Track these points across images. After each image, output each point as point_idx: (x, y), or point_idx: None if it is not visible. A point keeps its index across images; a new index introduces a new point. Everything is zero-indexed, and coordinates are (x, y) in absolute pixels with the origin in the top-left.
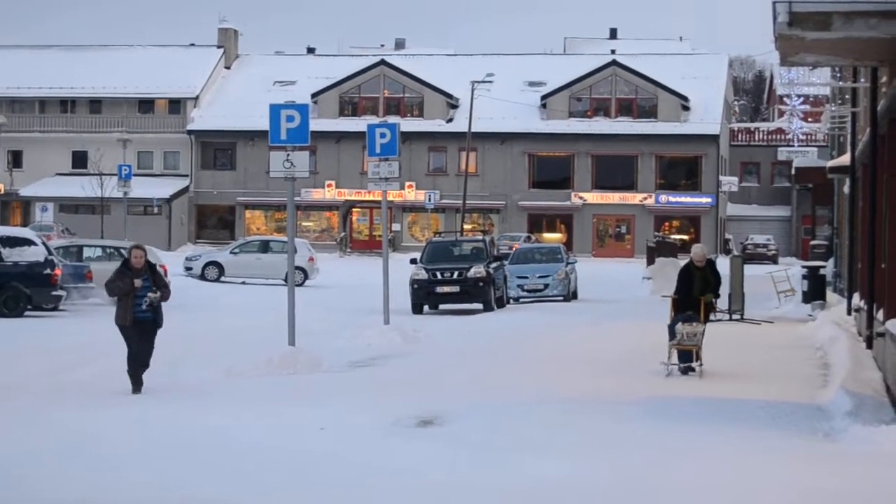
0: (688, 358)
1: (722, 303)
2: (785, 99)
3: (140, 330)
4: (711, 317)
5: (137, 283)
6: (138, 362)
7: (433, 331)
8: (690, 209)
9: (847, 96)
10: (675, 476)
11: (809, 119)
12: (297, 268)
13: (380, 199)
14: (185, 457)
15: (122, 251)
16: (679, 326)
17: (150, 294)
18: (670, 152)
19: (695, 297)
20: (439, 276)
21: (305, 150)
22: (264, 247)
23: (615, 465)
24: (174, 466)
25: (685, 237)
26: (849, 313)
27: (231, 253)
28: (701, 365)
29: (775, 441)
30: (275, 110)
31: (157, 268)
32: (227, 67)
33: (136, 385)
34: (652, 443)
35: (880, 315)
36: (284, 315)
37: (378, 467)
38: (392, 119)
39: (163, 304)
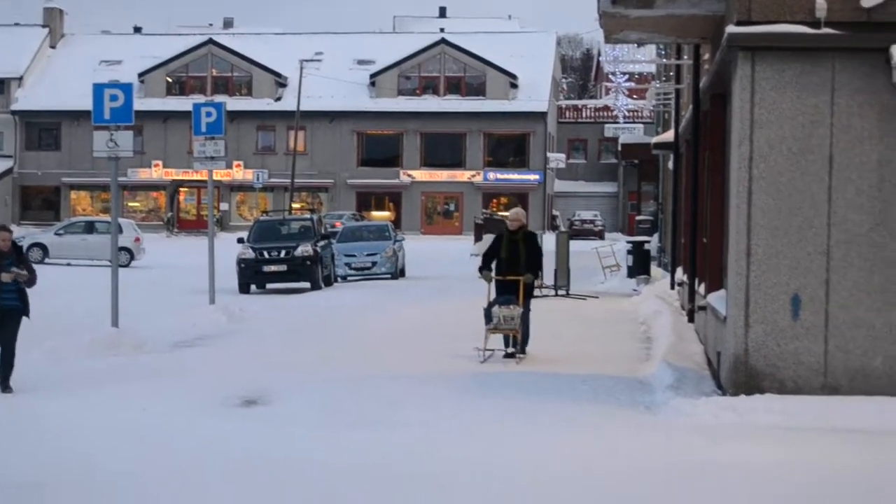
0: (507, 342)
1: (548, 278)
2: (611, 76)
3: (5, 320)
4: (537, 293)
5: (6, 277)
6: (4, 358)
7: (260, 310)
8: (518, 186)
9: (671, 73)
10: (498, 451)
11: (635, 96)
12: (123, 248)
13: (207, 178)
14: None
15: None
16: (496, 310)
17: (13, 269)
18: (499, 130)
19: (502, 263)
20: (266, 255)
21: (130, 129)
22: (89, 228)
23: (438, 443)
24: None
25: None
26: (672, 287)
27: (56, 234)
28: (519, 352)
29: (597, 414)
30: (98, 90)
31: (24, 251)
32: (53, 47)
33: (5, 383)
34: (475, 419)
35: (702, 289)
36: (109, 296)
37: (201, 447)
38: (220, 98)
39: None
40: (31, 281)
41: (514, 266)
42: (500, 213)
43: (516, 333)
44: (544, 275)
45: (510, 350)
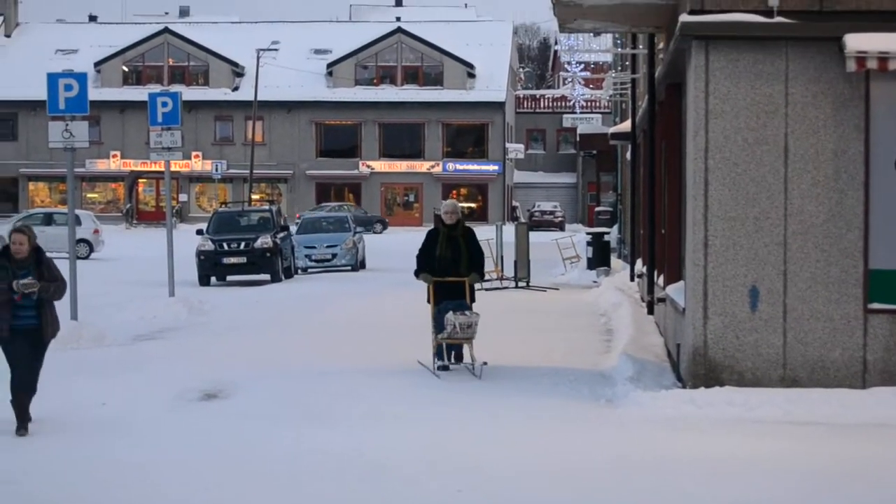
0: (459, 352)
1: (508, 270)
2: (567, 66)
3: (24, 340)
4: (497, 284)
5: (27, 290)
6: (23, 387)
7: (220, 302)
8: (478, 177)
9: (628, 63)
10: (459, 445)
11: (591, 86)
12: (82, 240)
13: (164, 169)
14: None
15: None
16: (450, 317)
17: (24, 281)
18: (457, 120)
19: (443, 262)
20: (226, 247)
21: (86, 119)
22: (48, 219)
23: (400, 436)
24: None
25: (473, 205)
26: (632, 279)
27: None
28: (481, 362)
29: (558, 408)
30: (52, 79)
31: (47, 257)
32: (8, 36)
33: (22, 421)
34: (436, 413)
35: (661, 281)
36: (68, 289)
37: (160, 441)
38: (177, 88)
39: (55, 304)
40: (55, 292)
41: (455, 266)
42: (461, 205)
43: (470, 343)
44: (504, 266)
45: (470, 364)
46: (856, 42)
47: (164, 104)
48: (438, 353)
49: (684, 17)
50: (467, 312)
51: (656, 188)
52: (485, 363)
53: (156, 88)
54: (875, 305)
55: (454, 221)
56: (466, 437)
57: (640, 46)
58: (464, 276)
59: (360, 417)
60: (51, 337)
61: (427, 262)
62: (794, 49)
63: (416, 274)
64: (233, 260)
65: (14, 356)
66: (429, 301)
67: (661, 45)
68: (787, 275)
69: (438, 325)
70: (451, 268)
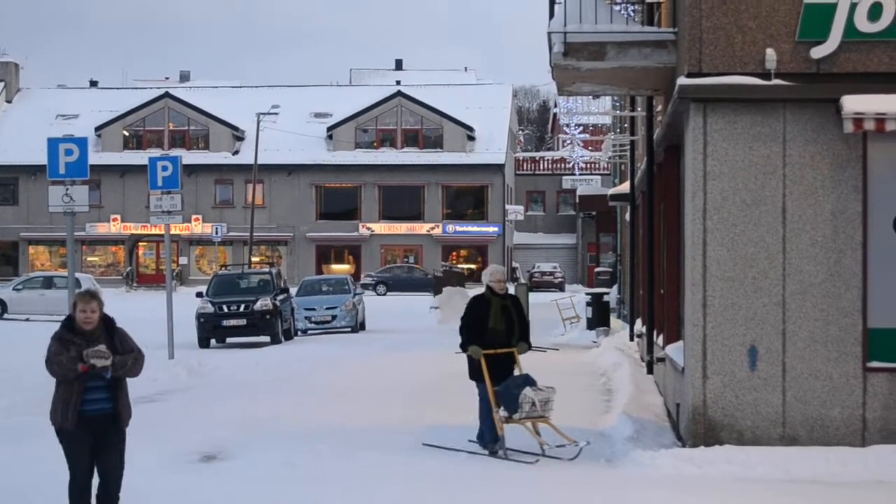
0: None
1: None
2: (566, 128)
3: (93, 433)
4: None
5: (98, 361)
6: (86, 488)
7: (219, 364)
8: (478, 238)
9: (626, 125)
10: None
11: (590, 147)
12: None
13: (164, 232)
14: None
15: None
16: (529, 393)
17: (96, 349)
18: (457, 182)
19: (496, 334)
20: (226, 310)
21: (86, 184)
22: (48, 283)
23: (396, 496)
24: None
25: (473, 266)
26: (631, 339)
27: (14, 290)
28: (583, 442)
29: (557, 467)
30: (52, 144)
31: (120, 328)
32: (9, 101)
33: None
34: (432, 473)
35: (660, 340)
36: None
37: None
38: (177, 152)
39: (127, 380)
40: (126, 364)
41: (508, 338)
42: (459, 266)
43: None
44: None
45: (555, 447)
46: (853, 103)
47: (165, 168)
48: (495, 436)
49: (682, 80)
50: (544, 387)
51: (655, 249)
52: (588, 442)
53: (156, 152)
54: (874, 364)
55: (505, 290)
56: (463, 498)
57: (639, 109)
58: (512, 346)
59: (354, 480)
60: (126, 424)
61: (475, 336)
62: (792, 111)
63: (464, 347)
64: (233, 322)
65: (77, 454)
66: (472, 377)
67: (659, 108)
68: (785, 334)
69: (509, 404)
70: (503, 339)
